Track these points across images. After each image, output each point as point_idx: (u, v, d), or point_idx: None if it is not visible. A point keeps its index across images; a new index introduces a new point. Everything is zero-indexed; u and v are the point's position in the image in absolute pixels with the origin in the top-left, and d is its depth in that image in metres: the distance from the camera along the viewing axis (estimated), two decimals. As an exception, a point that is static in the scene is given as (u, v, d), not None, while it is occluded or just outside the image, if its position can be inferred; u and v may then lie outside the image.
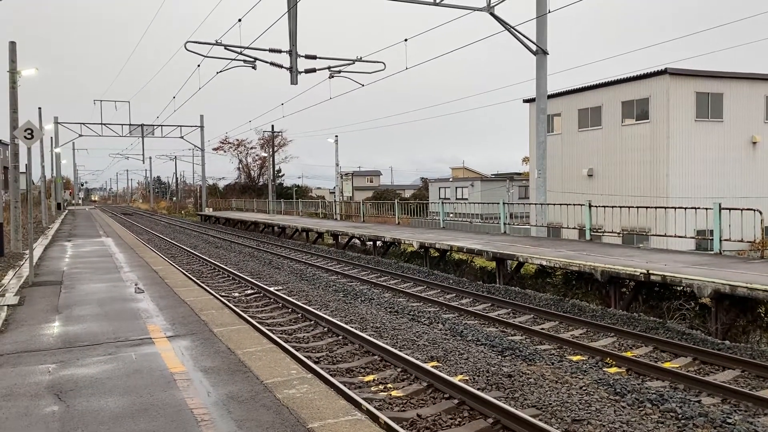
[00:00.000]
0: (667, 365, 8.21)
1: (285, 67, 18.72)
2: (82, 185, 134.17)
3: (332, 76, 20.76)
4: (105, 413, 4.92)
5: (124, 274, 13.36)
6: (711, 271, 10.65)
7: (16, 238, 20.03)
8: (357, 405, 6.18)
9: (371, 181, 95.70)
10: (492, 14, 18.82)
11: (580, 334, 10.11)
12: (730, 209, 13.11)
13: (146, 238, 29.86)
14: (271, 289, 14.09)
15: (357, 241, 24.37)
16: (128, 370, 6.08)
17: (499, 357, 8.48)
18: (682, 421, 6.20)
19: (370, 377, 7.72)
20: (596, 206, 16.91)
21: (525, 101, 33.15)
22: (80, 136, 49.21)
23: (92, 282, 12.21)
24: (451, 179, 63.20)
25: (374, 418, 5.93)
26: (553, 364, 8.16)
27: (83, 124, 48.31)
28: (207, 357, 6.55)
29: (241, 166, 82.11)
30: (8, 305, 9.65)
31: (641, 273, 10.83)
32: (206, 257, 21.34)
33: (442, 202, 27.97)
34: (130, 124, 49.48)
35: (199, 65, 22.32)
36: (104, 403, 5.16)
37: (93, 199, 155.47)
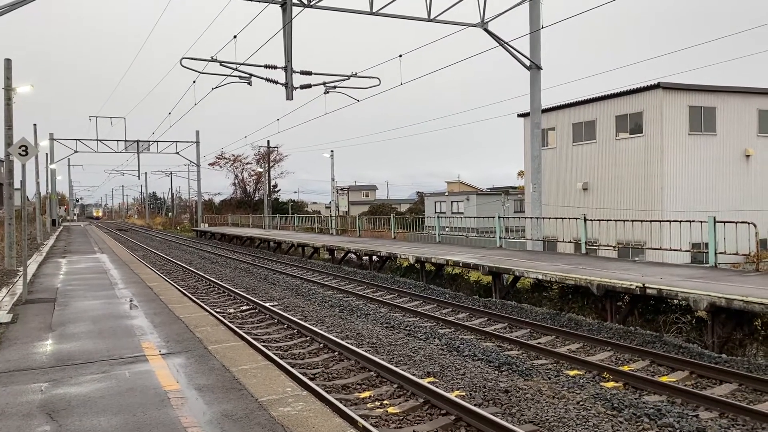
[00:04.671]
0: (664, 379, 8.18)
1: (280, 83, 18.75)
2: (77, 201, 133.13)
3: (327, 92, 20.82)
4: (98, 433, 4.86)
5: (119, 291, 13.30)
6: (707, 284, 10.65)
7: (10, 255, 19.93)
8: (353, 422, 6.13)
9: (367, 196, 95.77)
10: (486, 30, 18.94)
11: (577, 349, 10.08)
12: (724, 222, 13.13)
13: (141, 254, 29.75)
14: (267, 304, 14.02)
15: (353, 255, 24.32)
16: (122, 389, 6.03)
17: (496, 372, 8.44)
18: (680, 436, 6.17)
19: (366, 393, 7.66)
20: (591, 220, 16.95)
21: (519, 116, 33.30)
22: (75, 152, 49.24)
23: (86, 299, 12.14)
24: (446, 193, 63.28)
25: (370, 436, 5.88)
26: (550, 379, 8.13)
27: (79, 140, 48.32)
28: (201, 374, 6.50)
29: (236, 181, 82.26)
30: (1, 323, 9.58)
31: (637, 287, 10.83)
32: (201, 273, 21.26)
33: (438, 217, 27.99)
34: (125, 140, 49.49)
35: (194, 81, 22.35)
36: (97, 422, 5.11)
37: (96, 214, 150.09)
